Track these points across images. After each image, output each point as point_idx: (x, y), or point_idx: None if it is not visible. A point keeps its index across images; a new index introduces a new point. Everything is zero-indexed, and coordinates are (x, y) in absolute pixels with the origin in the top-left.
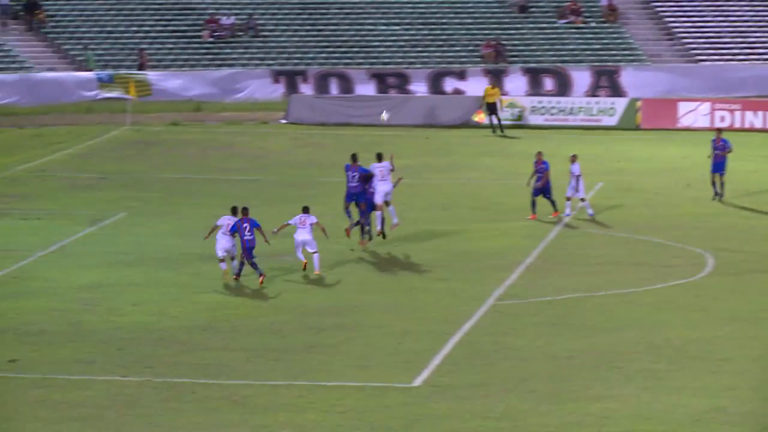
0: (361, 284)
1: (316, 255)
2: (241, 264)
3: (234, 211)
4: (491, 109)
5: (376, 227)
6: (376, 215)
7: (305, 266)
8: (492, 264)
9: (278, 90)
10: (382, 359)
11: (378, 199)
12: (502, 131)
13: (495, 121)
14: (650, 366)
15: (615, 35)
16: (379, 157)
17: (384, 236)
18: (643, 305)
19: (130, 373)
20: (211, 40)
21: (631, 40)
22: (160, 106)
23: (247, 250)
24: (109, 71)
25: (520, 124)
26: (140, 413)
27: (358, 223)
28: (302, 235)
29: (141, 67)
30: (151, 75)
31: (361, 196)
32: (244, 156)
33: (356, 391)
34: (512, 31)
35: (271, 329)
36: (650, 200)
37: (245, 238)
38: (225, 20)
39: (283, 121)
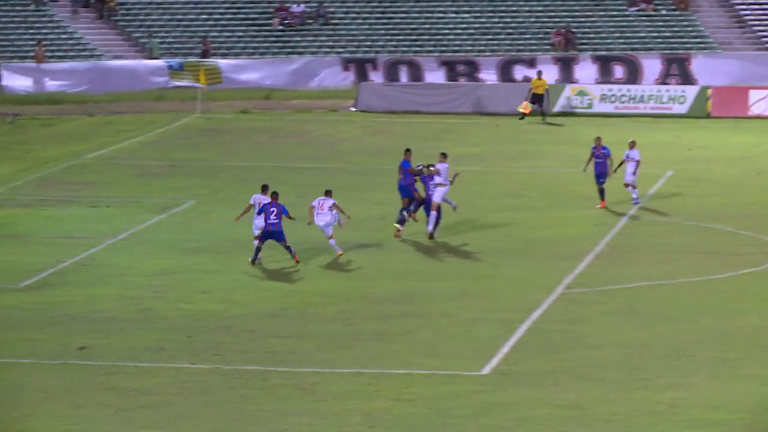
0: (430, 272)
1: (331, 240)
2: (257, 250)
3: (264, 189)
4: (538, 100)
5: (428, 227)
6: (432, 215)
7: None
8: (561, 252)
9: (348, 78)
10: (450, 347)
11: (436, 198)
12: (543, 120)
13: (540, 110)
14: (720, 354)
15: (686, 23)
16: (444, 156)
17: (432, 237)
18: (714, 293)
19: (200, 360)
20: (281, 28)
21: (701, 28)
22: (230, 94)
23: (270, 233)
24: (180, 59)
25: (589, 112)
26: (209, 400)
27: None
28: (321, 219)
29: (205, 55)
30: (221, 63)
31: (404, 190)
32: (314, 144)
33: (425, 379)
34: (582, 19)
35: (340, 317)
36: (720, 189)
37: (270, 221)
38: (295, 8)
39: (353, 109)
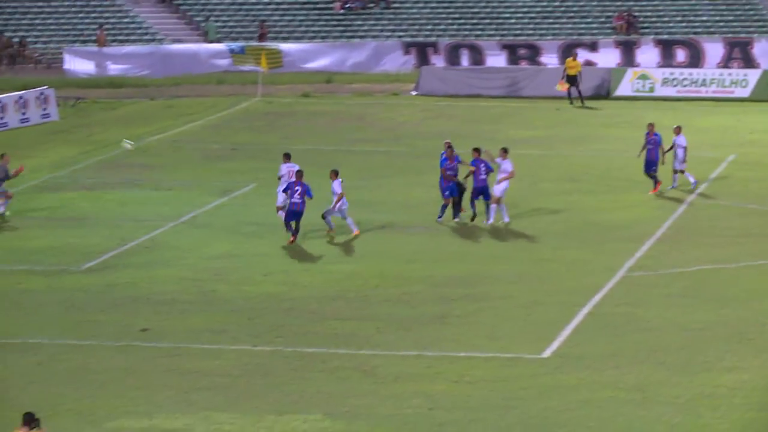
0: (491, 255)
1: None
2: (289, 227)
3: (287, 157)
4: (572, 81)
5: (489, 218)
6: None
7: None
8: (622, 235)
9: (409, 62)
10: (511, 330)
11: (498, 192)
12: (582, 104)
13: (575, 93)
14: None
15: (748, 6)
16: (505, 152)
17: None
18: None
19: (261, 342)
20: (342, 11)
21: (764, 12)
22: (291, 77)
23: (293, 212)
24: (241, 43)
25: (652, 96)
26: (271, 382)
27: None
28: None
29: (261, 38)
30: (282, 46)
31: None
32: (375, 127)
33: (486, 361)
34: (644, 3)
35: (401, 299)
36: None
37: (293, 200)
38: None
39: (414, 93)
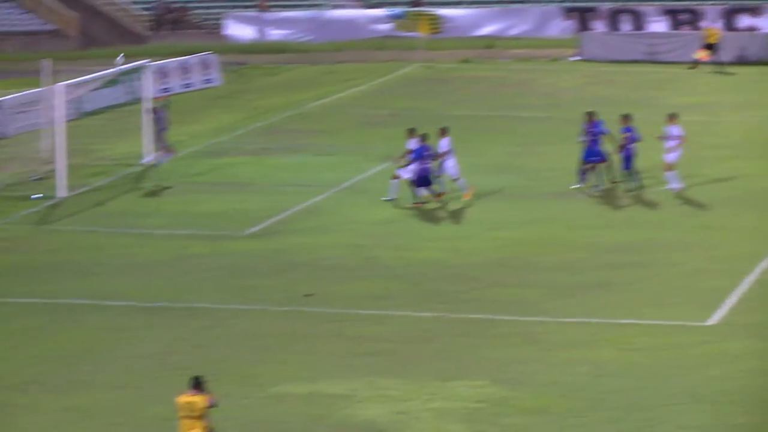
0: (656, 222)
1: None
2: (419, 188)
3: (413, 132)
4: (711, 48)
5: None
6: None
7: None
8: None
9: (570, 27)
10: (676, 297)
11: (670, 159)
12: (722, 70)
13: (716, 59)
14: None
15: None
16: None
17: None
18: None
19: (425, 308)
20: None
21: None
22: (451, 43)
23: (423, 178)
24: (402, 8)
25: None
26: (434, 348)
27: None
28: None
29: (416, 4)
30: (442, 12)
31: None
32: (536, 93)
33: (651, 329)
34: None
35: (565, 266)
36: None
37: (422, 165)
38: None
39: (575, 59)
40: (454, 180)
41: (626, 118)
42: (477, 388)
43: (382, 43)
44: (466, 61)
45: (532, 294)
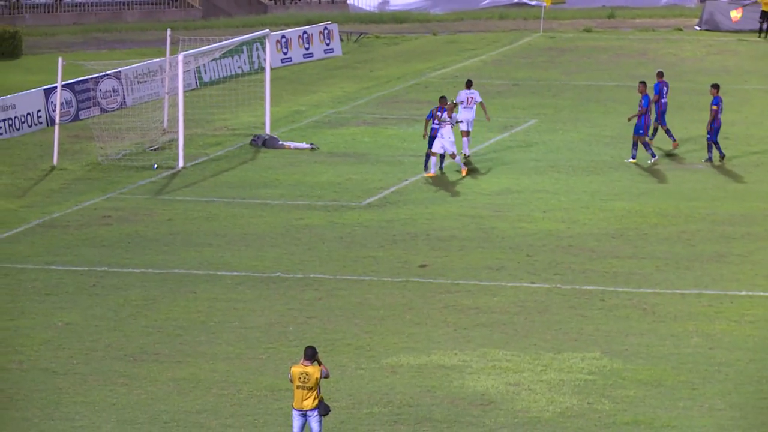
0: None
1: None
2: (427, 156)
3: (469, 84)
4: (765, 17)
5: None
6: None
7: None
8: None
9: None
10: None
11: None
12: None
13: (765, 27)
14: None
15: None
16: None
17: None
18: None
19: (539, 279)
20: None
21: None
22: (573, 12)
23: (431, 138)
24: None
25: None
26: (548, 319)
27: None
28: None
29: None
30: None
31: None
32: (657, 63)
33: (765, 301)
34: None
35: (680, 238)
36: None
37: (435, 126)
38: None
39: (698, 28)
40: (451, 155)
41: (716, 87)
42: (590, 359)
43: (504, 12)
44: (587, 30)
45: (647, 266)
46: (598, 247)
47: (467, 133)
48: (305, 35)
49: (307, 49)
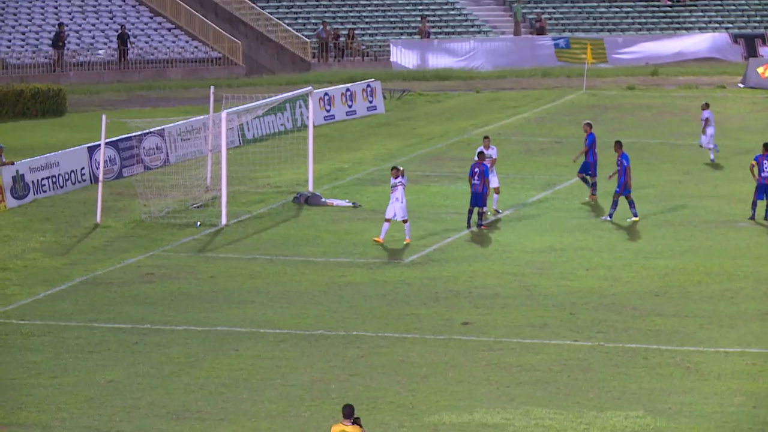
0: None
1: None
2: (469, 213)
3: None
4: None
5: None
6: None
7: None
8: None
9: (737, 53)
10: None
11: None
12: None
13: None
14: None
15: None
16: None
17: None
18: None
19: (582, 337)
20: (669, 3)
21: None
22: (616, 70)
23: (476, 195)
24: (566, 35)
25: None
26: (591, 378)
27: None
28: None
29: (541, 32)
30: (607, 40)
31: None
32: (700, 121)
33: None
34: None
35: (724, 296)
36: None
37: (474, 182)
38: None
39: (741, 86)
40: (402, 221)
41: (766, 147)
42: (633, 418)
43: (546, 70)
44: (630, 87)
45: (690, 324)
46: (641, 305)
47: (497, 190)
48: (348, 92)
49: (350, 106)
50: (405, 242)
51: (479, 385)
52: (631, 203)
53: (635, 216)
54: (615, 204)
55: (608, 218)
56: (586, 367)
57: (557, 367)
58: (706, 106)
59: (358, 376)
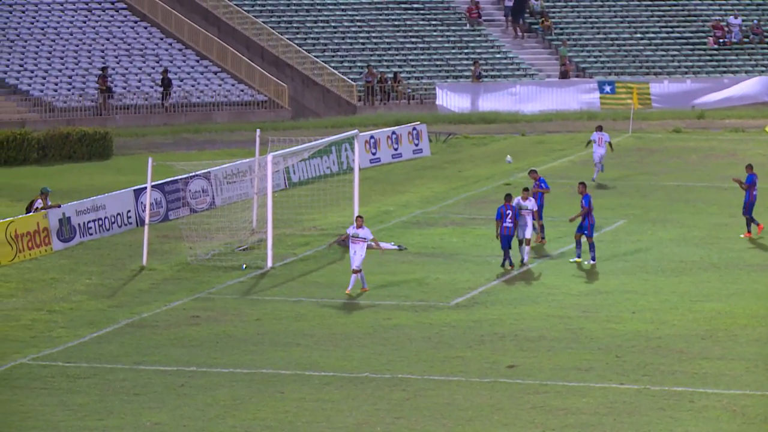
0: None
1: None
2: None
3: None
4: None
5: None
6: None
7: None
8: None
9: None
10: None
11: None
12: None
13: None
14: None
15: None
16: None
17: None
18: None
19: (628, 380)
20: (715, 46)
21: None
22: (662, 113)
23: (503, 237)
24: (612, 78)
25: None
26: (636, 421)
27: None
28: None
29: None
30: (653, 84)
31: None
32: (746, 164)
33: None
34: None
35: None
36: None
37: (505, 224)
38: (733, 20)
39: None
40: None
41: None
42: None
43: (592, 113)
44: (676, 130)
45: (737, 367)
46: (687, 348)
47: (528, 241)
48: (394, 135)
49: (395, 149)
50: (365, 289)
51: (525, 428)
52: (591, 246)
53: (593, 260)
54: (579, 244)
55: (575, 260)
56: (632, 411)
57: (603, 410)
58: (600, 128)
59: (404, 419)
